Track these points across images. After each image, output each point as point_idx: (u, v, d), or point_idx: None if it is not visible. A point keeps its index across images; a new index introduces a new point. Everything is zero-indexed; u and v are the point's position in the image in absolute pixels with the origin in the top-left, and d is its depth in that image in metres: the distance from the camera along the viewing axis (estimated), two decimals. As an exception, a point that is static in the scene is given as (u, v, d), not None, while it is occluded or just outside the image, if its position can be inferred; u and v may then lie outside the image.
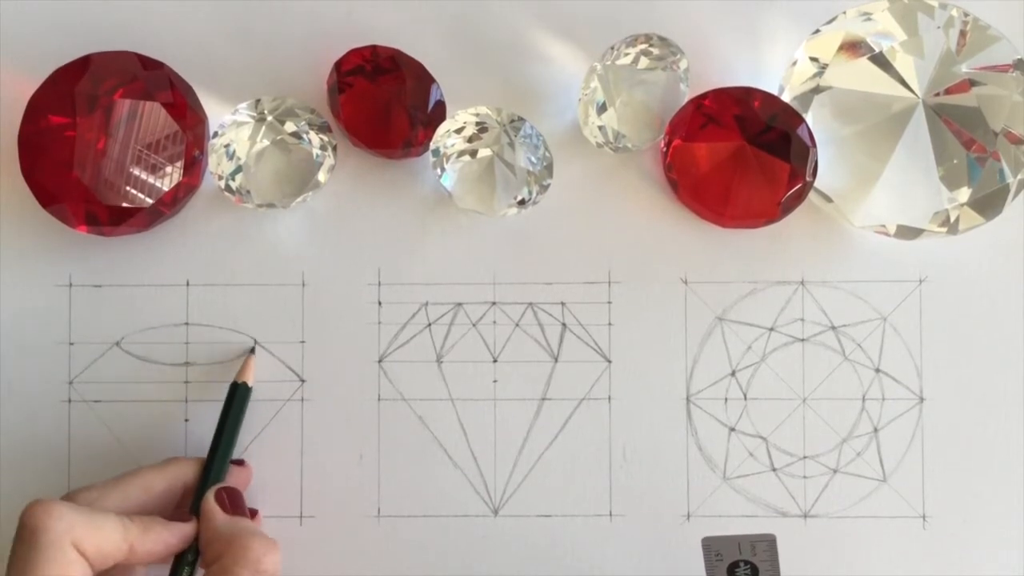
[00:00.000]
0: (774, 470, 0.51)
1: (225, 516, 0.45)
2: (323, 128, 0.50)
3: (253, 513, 0.49)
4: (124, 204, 0.48)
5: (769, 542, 0.46)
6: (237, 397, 0.49)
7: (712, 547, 0.46)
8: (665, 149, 0.50)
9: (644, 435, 0.51)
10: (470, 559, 0.51)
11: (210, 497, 0.46)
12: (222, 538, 0.44)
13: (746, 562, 0.46)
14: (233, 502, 0.46)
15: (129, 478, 0.46)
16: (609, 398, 0.51)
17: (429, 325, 0.51)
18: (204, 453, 0.49)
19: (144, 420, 0.51)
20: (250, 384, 0.50)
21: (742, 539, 0.46)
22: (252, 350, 0.51)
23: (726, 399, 0.52)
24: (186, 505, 0.47)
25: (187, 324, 0.51)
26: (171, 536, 0.45)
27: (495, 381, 0.51)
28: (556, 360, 0.51)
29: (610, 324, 0.52)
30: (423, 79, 0.50)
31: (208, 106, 0.51)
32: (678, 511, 0.51)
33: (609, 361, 0.52)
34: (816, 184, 0.50)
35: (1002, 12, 0.52)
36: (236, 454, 0.49)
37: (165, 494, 0.47)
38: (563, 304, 0.52)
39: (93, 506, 0.44)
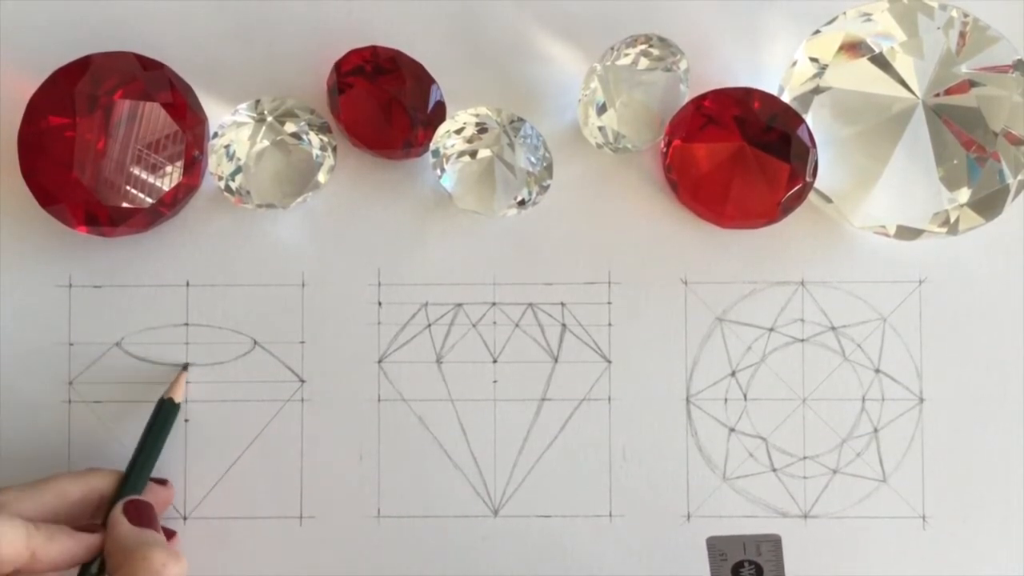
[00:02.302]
0: (774, 470, 0.51)
1: (130, 527, 0.44)
2: (323, 128, 0.50)
3: (170, 534, 0.48)
4: (124, 204, 0.48)
5: (774, 542, 0.46)
6: (162, 413, 0.49)
7: (716, 547, 0.46)
8: (665, 150, 0.50)
9: (644, 435, 0.51)
10: (470, 559, 0.51)
11: (118, 508, 0.45)
12: (124, 549, 0.43)
13: (751, 562, 0.46)
14: (141, 514, 0.45)
15: (45, 484, 0.45)
16: (609, 398, 0.51)
17: (429, 325, 0.51)
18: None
19: (144, 420, 0.51)
20: (177, 400, 0.49)
21: (747, 539, 0.46)
22: (185, 367, 0.51)
23: (726, 399, 0.52)
24: (101, 517, 0.46)
25: (187, 324, 0.51)
26: (75, 545, 0.44)
27: (495, 381, 0.51)
28: (556, 360, 0.51)
29: (610, 324, 0.52)
30: (423, 79, 0.50)
31: (208, 106, 0.51)
32: (678, 511, 0.51)
33: (609, 361, 0.52)
34: (816, 185, 0.50)
35: (1002, 12, 0.52)
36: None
37: (80, 503, 0.46)
38: (563, 304, 0.52)
39: (4, 509, 0.43)
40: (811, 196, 0.50)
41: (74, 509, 0.46)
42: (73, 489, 0.46)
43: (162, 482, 0.49)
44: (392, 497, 0.51)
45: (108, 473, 0.47)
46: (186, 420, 0.51)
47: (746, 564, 0.46)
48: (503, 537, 0.51)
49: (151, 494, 0.48)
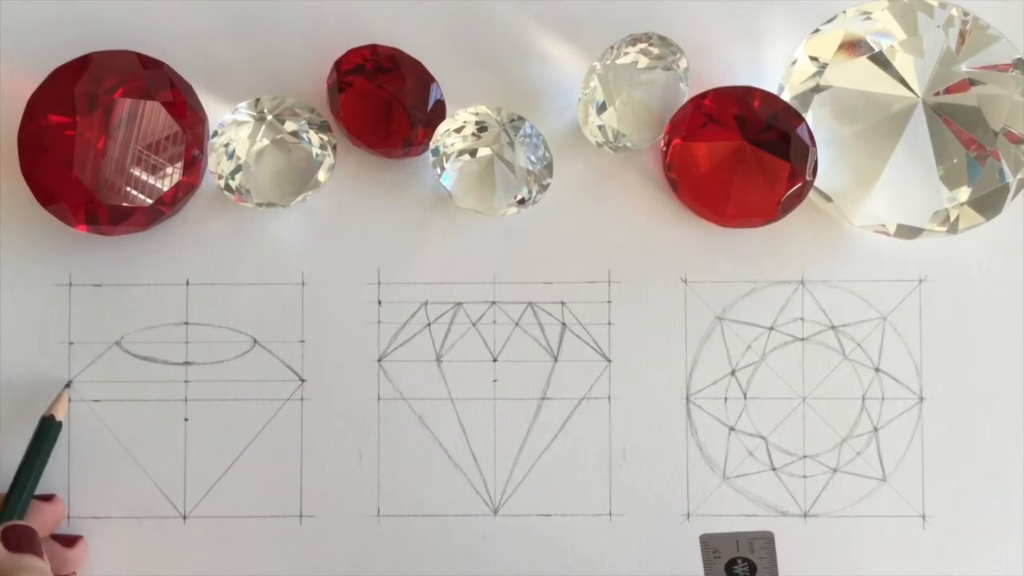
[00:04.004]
0: (774, 469, 0.51)
1: (6, 553, 0.45)
2: (323, 127, 0.50)
3: (73, 540, 0.49)
4: (124, 204, 0.48)
5: (767, 539, 0.46)
6: (42, 433, 0.48)
7: (710, 544, 0.46)
8: (665, 149, 0.50)
9: (644, 435, 0.51)
10: (470, 559, 0.51)
11: None
12: None
13: (744, 559, 0.46)
14: (19, 539, 0.45)
15: None
16: (609, 398, 0.51)
17: (429, 324, 0.51)
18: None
19: (144, 420, 0.51)
20: (59, 418, 0.49)
21: (740, 536, 0.46)
22: (68, 384, 0.50)
23: (726, 399, 0.52)
24: None
25: (187, 324, 0.51)
26: None
27: (495, 381, 0.51)
28: (556, 360, 0.51)
29: (610, 324, 0.52)
30: (423, 78, 0.50)
31: (208, 106, 0.51)
32: (678, 511, 0.51)
33: (609, 361, 0.52)
34: (816, 183, 0.50)
35: (1002, 12, 0.52)
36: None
37: None
38: (563, 303, 0.52)
39: None
40: (811, 195, 0.50)
41: None
42: None
43: (48, 498, 0.49)
44: (392, 496, 0.51)
45: None
46: (186, 420, 0.51)
47: (739, 561, 0.46)
48: (503, 536, 0.51)
49: (36, 513, 0.48)
